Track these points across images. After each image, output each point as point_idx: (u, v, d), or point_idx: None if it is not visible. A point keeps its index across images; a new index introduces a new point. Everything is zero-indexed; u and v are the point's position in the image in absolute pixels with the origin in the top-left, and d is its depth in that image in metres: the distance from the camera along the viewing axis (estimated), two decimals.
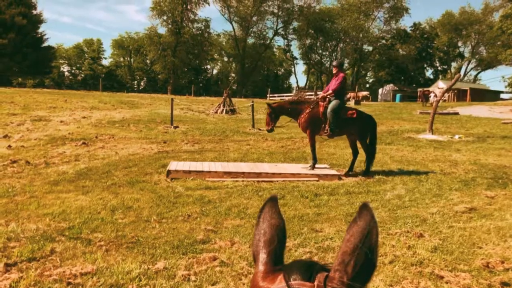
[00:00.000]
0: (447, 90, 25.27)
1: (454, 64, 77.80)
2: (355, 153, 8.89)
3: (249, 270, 3.89)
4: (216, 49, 74.04)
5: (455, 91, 46.03)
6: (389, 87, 64.20)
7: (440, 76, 73.75)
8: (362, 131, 8.68)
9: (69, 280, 3.59)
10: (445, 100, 39.48)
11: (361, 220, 0.83)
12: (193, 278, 3.73)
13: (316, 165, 8.81)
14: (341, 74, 8.64)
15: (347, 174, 8.64)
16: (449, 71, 77.12)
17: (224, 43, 76.20)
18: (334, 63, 8.91)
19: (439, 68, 78.37)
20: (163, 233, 4.91)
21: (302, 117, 8.55)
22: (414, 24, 74.25)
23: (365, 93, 46.95)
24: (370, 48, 72.40)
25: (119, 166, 8.76)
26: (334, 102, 8.41)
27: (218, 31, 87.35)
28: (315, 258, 4.12)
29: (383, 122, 19.55)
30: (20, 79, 50.44)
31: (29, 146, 10.89)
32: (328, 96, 8.57)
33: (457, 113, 24.93)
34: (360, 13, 67.04)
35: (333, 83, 8.62)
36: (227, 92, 23.66)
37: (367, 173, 8.57)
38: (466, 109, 26.96)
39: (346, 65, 76.43)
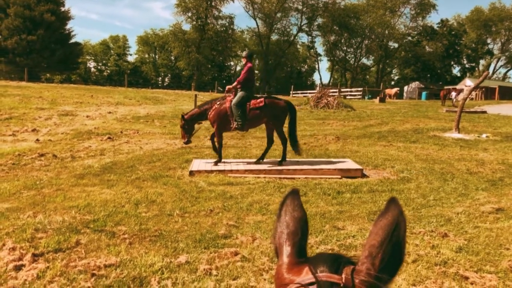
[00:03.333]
0: (475, 88, 24.71)
1: (482, 62, 75.91)
2: (270, 142, 8.68)
3: (270, 265, 3.90)
4: (240, 45, 74.04)
5: (483, 89, 44.89)
6: (415, 84, 63.17)
7: (468, 74, 72.03)
8: (275, 119, 8.31)
9: (94, 272, 3.67)
10: (472, 99, 38.59)
11: (389, 214, 0.84)
12: (214, 272, 3.75)
13: (339, 160, 8.69)
14: (249, 64, 8.32)
15: (257, 162, 8.50)
16: (477, 68, 75.26)
17: (247, 40, 76.11)
18: (243, 53, 8.56)
19: (467, 66, 76.54)
20: (185, 227, 4.96)
21: (209, 113, 8.27)
22: (442, 20, 72.70)
23: (395, 89, 45.75)
24: (396, 45, 71.16)
25: (143, 161, 8.89)
26: (238, 95, 8.16)
27: (242, 28, 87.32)
28: None
29: (408, 120, 19.25)
30: (48, 74, 51.51)
31: (56, 140, 11.14)
32: (233, 89, 8.34)
33: (484, 112, 24.31)
34: (386, 10, 66.03)
35: (241, 74, 8.32)
36: None
37: (283, 160, 8.49)
38: (494, 108, 26.26)
39: (371, 62, 75.52)
